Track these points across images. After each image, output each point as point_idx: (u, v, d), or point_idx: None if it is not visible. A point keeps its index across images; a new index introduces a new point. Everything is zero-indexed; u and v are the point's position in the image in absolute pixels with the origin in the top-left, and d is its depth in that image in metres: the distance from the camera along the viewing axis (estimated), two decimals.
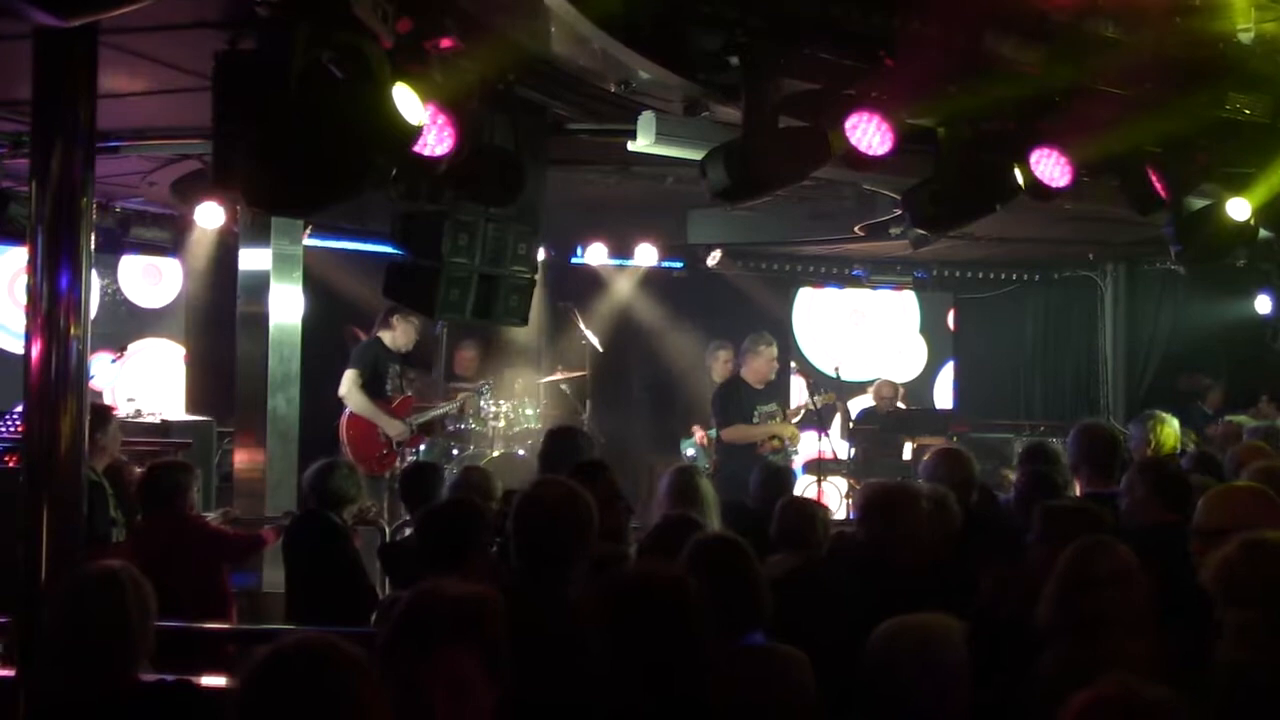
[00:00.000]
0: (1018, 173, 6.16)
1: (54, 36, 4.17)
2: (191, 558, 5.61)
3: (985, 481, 6.22)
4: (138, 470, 6.33)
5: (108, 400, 8.71)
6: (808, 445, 10.22)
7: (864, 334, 12.80)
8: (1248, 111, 6.50)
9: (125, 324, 10.10)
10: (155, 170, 8.11)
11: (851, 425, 11.33)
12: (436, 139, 5.03)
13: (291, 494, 7.82)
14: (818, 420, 9.80)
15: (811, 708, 3.33)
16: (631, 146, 5.99)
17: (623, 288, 11.58)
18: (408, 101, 4.57)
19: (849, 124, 5.61)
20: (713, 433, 9.36)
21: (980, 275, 12.93)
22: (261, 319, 8.22)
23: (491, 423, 9.45)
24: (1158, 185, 6.73)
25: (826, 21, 5.37)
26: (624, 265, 11.44)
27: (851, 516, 6.97)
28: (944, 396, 13.01)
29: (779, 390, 9.82)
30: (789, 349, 11.21)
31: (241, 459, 8.29)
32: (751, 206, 8.25)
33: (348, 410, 8.78)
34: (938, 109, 5.96)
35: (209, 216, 8.72)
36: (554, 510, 3.67)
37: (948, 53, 5.58)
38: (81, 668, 3.26)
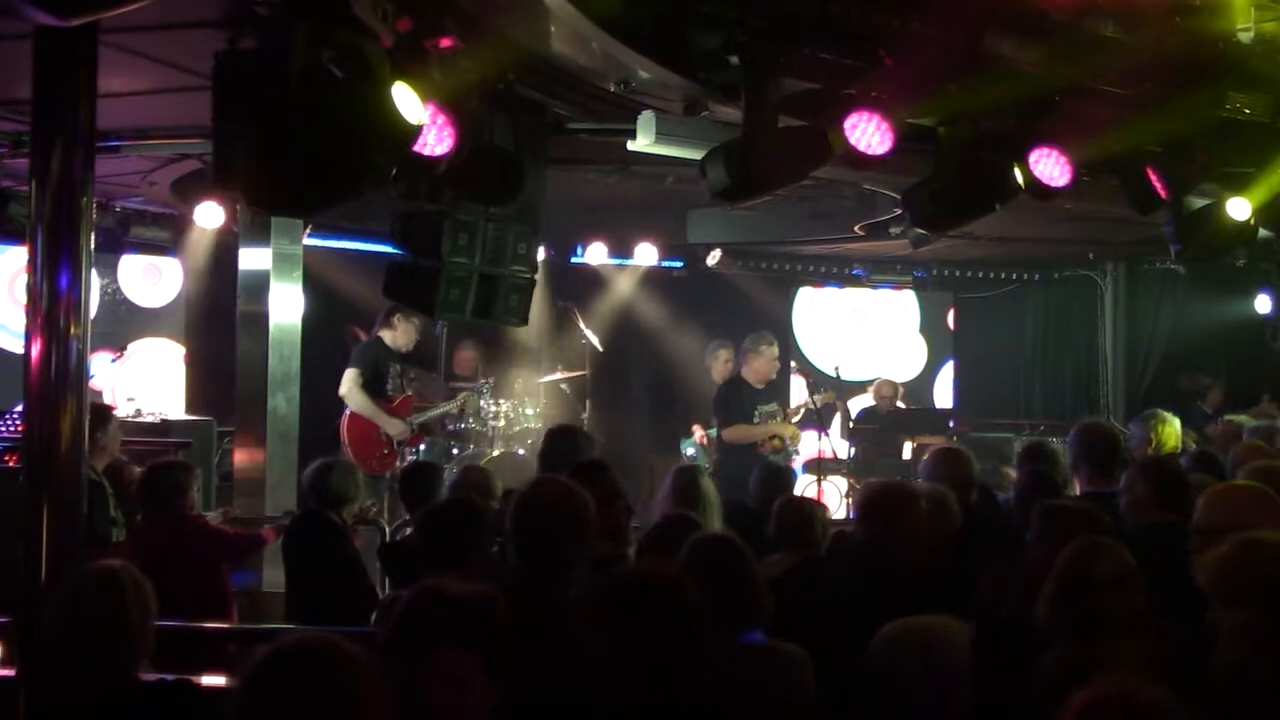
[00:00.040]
0: (1017, 172, 6.16)
1: (54, 36, 4.17)
2: (192, 557, 5.62)
3: (985, 481, 6.22)
4: (138, 470, 6.32)
5: (108, 400, 8.70)
6: (808, 445, 10.22)
7: (864, 333, 12.80)
8: (1248, 111, 6.50)
9: (125, 323, 10.10)
10: (155, 170, 8.10)
11: (851, 425, 11.33)
12: (436, 138, 5.03)
13: (291, 493, 7.82)
14: (817, 420, 9.81)
15: (812, 707, 3.33)
16: (631, 146, 5.99)
17: (623, 287, 11.58)
18: (407, 101, 4.57)
19: (849, 123, 5.61)
20: (713, 432, 9.36)
21: (980, 275, 12.93)
22: (261, 318, 8.22)
23: (491, 422, 9.45)
24: (1157, 185, 6.73)
25: (826, 21, 5.37)
26: (624, 265, 11.44)
27: (851, 516, 6.96)
28: (944, 396, 13.01)
29: (779, 390, 9.83)
30: (789, 348, 11.21)
31: (241, 458, 8.29)
32: (751, 206, 8.24)
33: (348, 410, 8.78)
34: (937, 108, 5.96)
35: (209, 216, 8.71)
36: (552, 510, 3.67)
37: (947, 52, 5.58)
38: (81, 667, 3.26)
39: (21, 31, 4.29)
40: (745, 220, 10.29)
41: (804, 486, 9.77)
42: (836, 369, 11.38)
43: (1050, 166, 6.17)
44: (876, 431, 11.10)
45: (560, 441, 5.60)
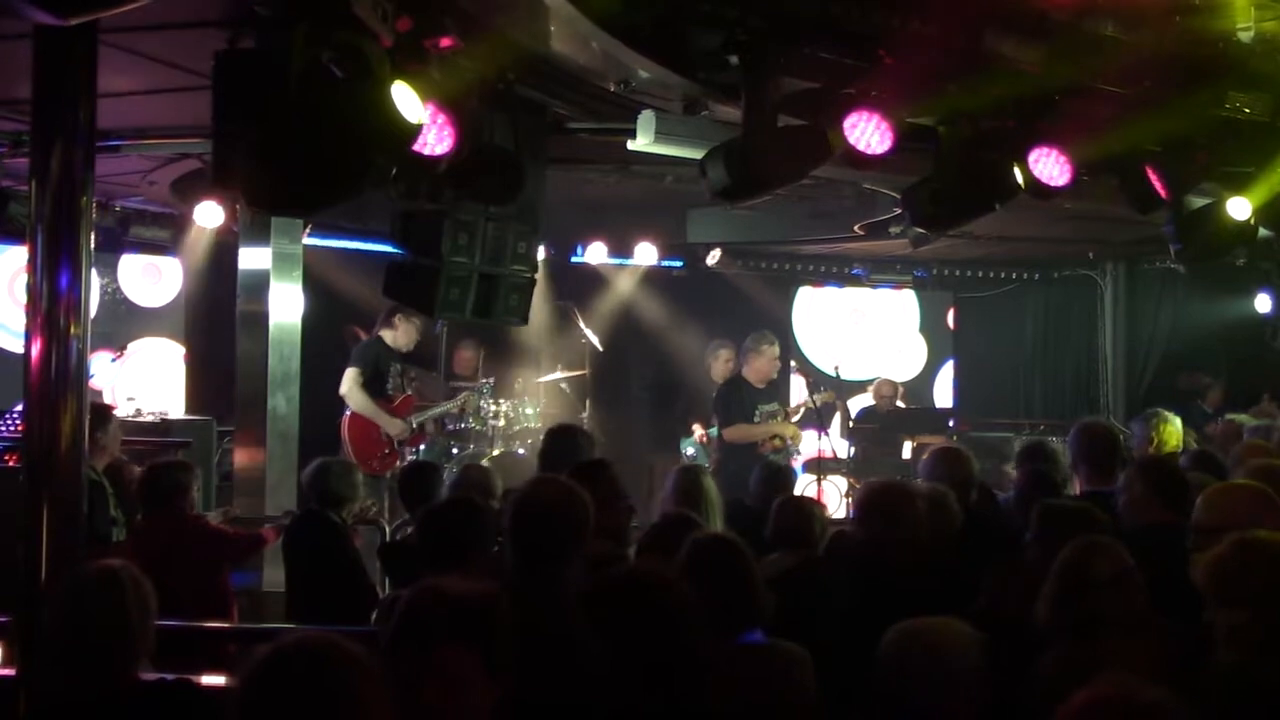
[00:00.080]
0: (1017, 172, 6.16)
1: (54, 35, 4.17)
2: (192, 557, 5.62)
3: (985, 480, 6.21)
4: (138, 469, 6.33)
5: (108, 399, 8.71)
6: (808, 444, 10.22)
7: (864, 333, 12.80)
8: (1248, 110, 6.50)
9: (125, 323, 10.10)
10: (155, 169, 8.11)
11: (851, 424, 11.33)
12: (436, 138, 5.03)
13: (291, 493, 7.82)
14: (817, 419, 9.81)
15: (812, 706, 3.33)
16: (631, 145, 5.99)
17: (622, 287, 11.59)
18: (407, 100, 4.57)
19: (848, 123, 5.61)
20: (713, 431, 9.37)
21: (980, 274, 12.93)
22: (261, 318, 8.23)
23: (491, 421, 9.45)
24: (1157, 184, 6.73)
25: (826, 20, 5.37)
26: (624, 264, 11.44)
27: (850, 516, 6.96)
28: (944, 395, 13.01)
29: (780, 389, 9.83)
30: (789, 348, 11.21)
31: (241, 458, 8.29)
32: (751, 205, 8.23)
33: (349, 410, 8.78)
34: (937, 107, 5.96)
35: (209, 215, 8.72)
36: (550, 509, 3.67)
37: (947, 51, 5.58)
38: (82, 667, 3.26)
39: (21, 31, 4.29)
40: (745, 220, 10.29)
41: (804, 486, 9.77)
42: (836, 368, 11.38)
43: (1050, 166, 6.17)
44: (876, 431, 11.10)
45: (560, 441, 5.60)
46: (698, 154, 5.68)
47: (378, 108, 4.31)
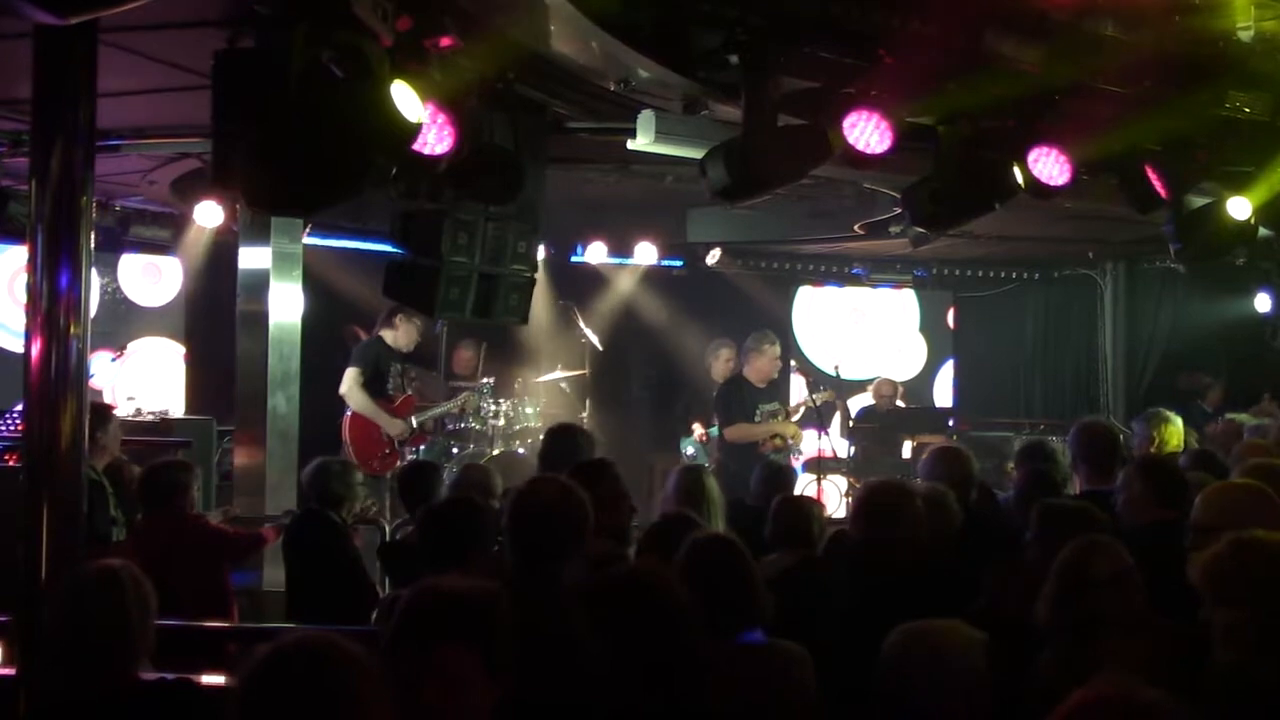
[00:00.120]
0: (1017, 171, 6.16)
1: (54, 35, 4.17)
2: (192, 556, 5.62)
3: (985, 480, 6.22)
4: (137, 469, 6.33)
5: (107, 399, 8.71)
6: (807, 444, 10.23)
7: (864, 332, 12.80)
8: (1248, 110, 6.50)
9: (125, 323, 10.11)
10: (155, 169, 8.11)
11: (851, 423, 11.33)
12: (436, 138, 5.03)
13: (291, 493, 7.82)
14: (817, 419, 9.81)
15: (812, 705, 3.33)
16: (631, 145, 5.99)
17: (622, 286, 11.59)
18: (407, 100, 4.57)
19: (848, 122, 5.61)
20: (713, 430, 9.37)
21: (980, 273, 12.94)
22: (261, 317, 8.22)
23: (491, 421, 9.45)
24: (1157, 184, 6.73)
25: (826, 20, 5.37)
26: (624, 264, 11.44)
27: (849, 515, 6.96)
28: (944, 395, 13.01)
29: (781, 389, 9.83)
30: (789, 347, 11.22)
31: (241, 458, 8.29)
32: (751, 205, 8.22)
33: (350, 411, 8.78)
34: (937, 107, 5.96)
35: (208, 215, 8.72)
36: (550, 508, 3.67)
37: (947, 51, 5.58)
38: (82, 667, 3.26)
39: (21, 30, 4.29)
40: (745, 219, 10.29)
41: (804, 485, 9.77)
42: (836, 368, 11.38)
43: (1049, 165, 6.17)
44: (876, 430, 11.10)
45: (560, 441, 5.60)
46: (698, 153, 5.68)
47: (378, 107, 4.31)
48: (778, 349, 9.15)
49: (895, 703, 2.83)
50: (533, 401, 9.84)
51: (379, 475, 8.63)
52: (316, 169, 4.24)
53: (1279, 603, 2.89)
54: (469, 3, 5.02)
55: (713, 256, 11.51)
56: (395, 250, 6.27)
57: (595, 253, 11.11)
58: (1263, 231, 7.49)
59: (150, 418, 8.86)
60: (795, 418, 9.71)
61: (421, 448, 9.12)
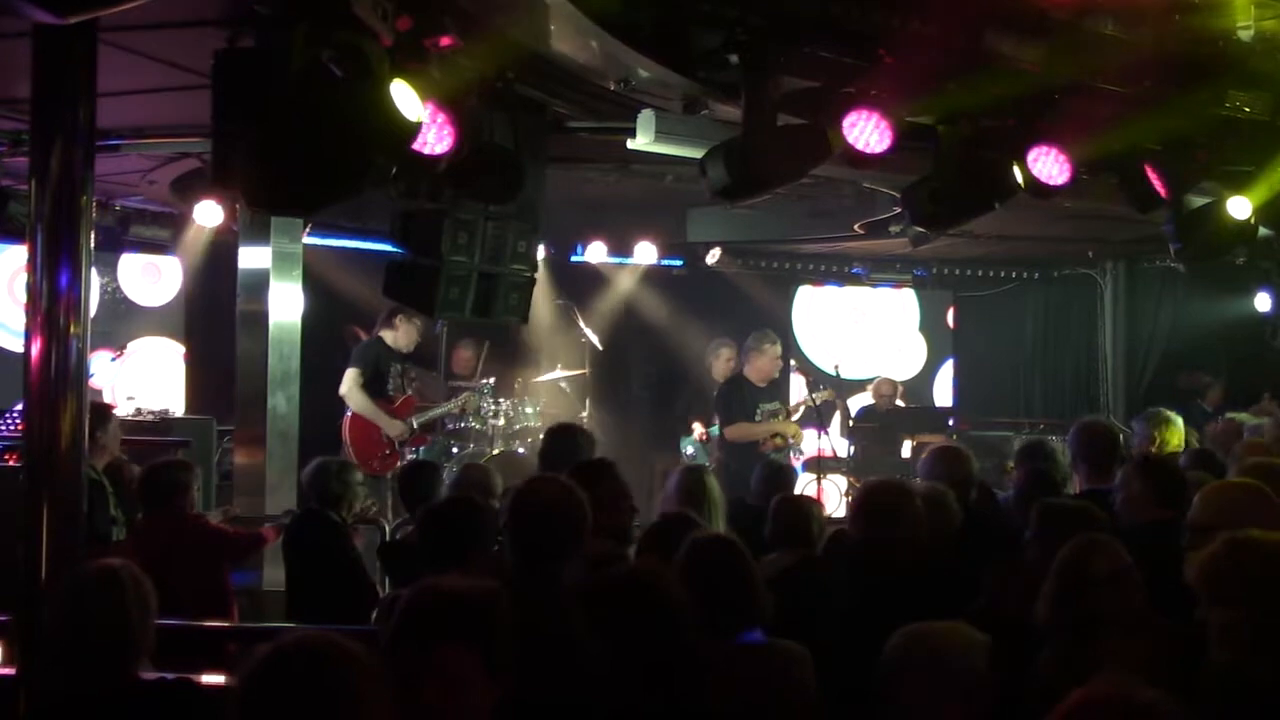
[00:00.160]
0: (1017, 171, 6.16)
1: (53, 34, 4.17)
2: (192, 556, 5.62)
3: (985, 479, 6.21)
4: (137, 469, 6.33)
5: (107, 399, 8.71)
6: (807, 443, 10.23)
7: (863, 332, 12.80)
8: (1248, 109, 6.50)
9: (125, 322, 10.11)
10: (155, 168, 8.11)
11: (851, 423, 11.33)
12: (436, 137, 5.03)
13: (291, 492, 7.82)
14: (817, 418, 9.81)
15: (812, 705, 3.33)
16: (631, 145, 5.99)
17: (622, 286, 11.59)
18: (407, 99, 4.57)
19: (848, 121, 5.61)
20: (713, 430, 9.37)
21: (980, 273, 12.93)
22: (261, 317, 8.22)
23: (491, 421, 9.45)
24: (1157, 183, 6.73)
25: (826, 19, 5.37)
26: (624, 263, 11.44)
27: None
28: (943, 394, 13.01)
29: (781, 389, 9.83)
30: (789, 347, 11.20)
31: (241, 457, 8.29)
32: (751, 204, 8.25)
33: (350, 411, 8.78)
34: (937, 106, 5.96)
35: (208, 215, 8.72)
36: (549, 508, 3.67)
37: (947, 50, 5.58)
38: (82, 666, 3.26)
39: (21, 30, 4.29)
40: (745, 219, 10.29)
41: (803, 485, 9.77)
42: (836, 367, 11.38)
43: (1049, 165, 6.17)
44: (876, 430, 11.10)
45: (560, 441, 5.60)
46: (697, 153, 5.68)
47: (377, 107, 4.31)
48: (779, 348, 9.15)
49: (897, 705, 2.82)
50: (533, 401, 9.84)
51: (379, 475, 8.63)
52: (316, 169, 4.24)
53: (1274, 602, 2.89)
54: (469, 2, 5.02)
55: (713, 256, 11.51)
56: (395, 250, 6.27)
57: (595, 252, 11.10)
58: (1263, 231, 7.49)
59: (150, 417, 8.86)
60: (795, 417, 9.71)
61: (421, 448, 9.12)
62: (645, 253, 11.21)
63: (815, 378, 11.13)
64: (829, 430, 10.09)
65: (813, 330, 12.64)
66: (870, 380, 11.76)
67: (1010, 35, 5.64)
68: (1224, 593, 2.96)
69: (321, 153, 4.19)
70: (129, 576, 3.35)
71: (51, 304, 4.20)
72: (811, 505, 5.20)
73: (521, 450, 9.30)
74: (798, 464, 9.54)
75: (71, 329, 4.21)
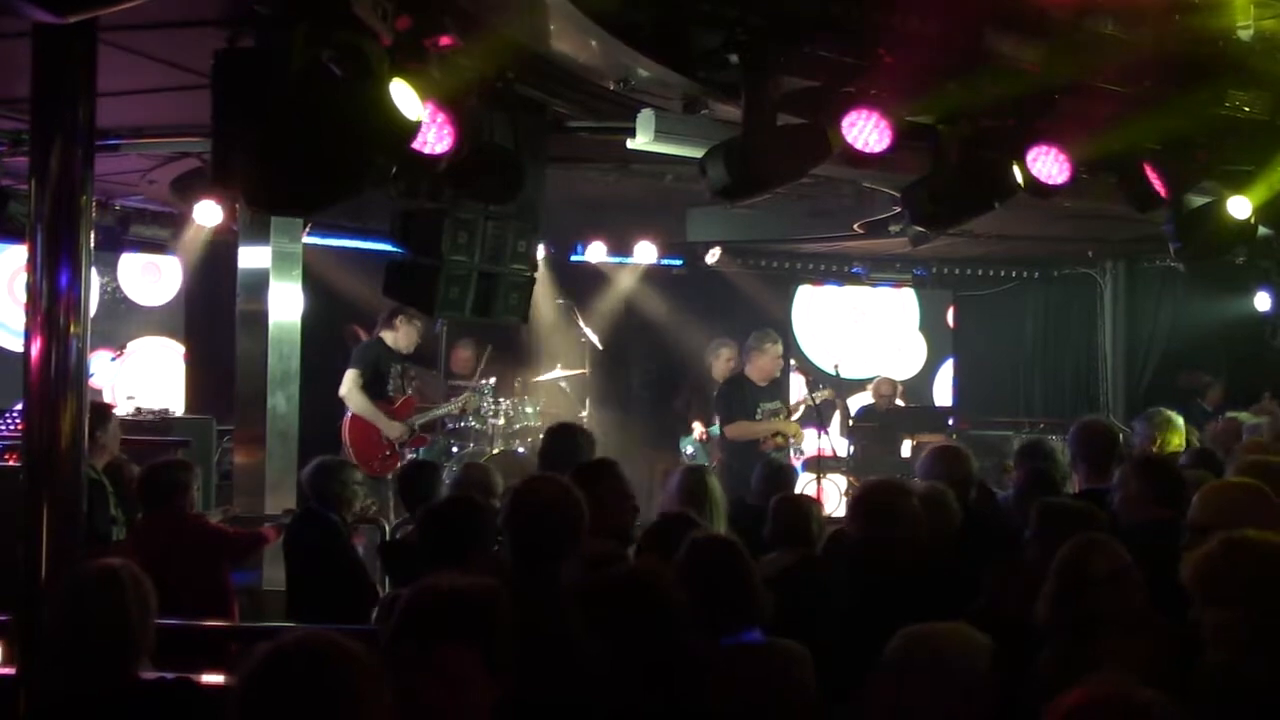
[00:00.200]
0: (1016, 170, 6.16)
1: (53, 34, 4.17)
2: (192, 556, 5.62)
3: (985, 479, 6.21)
4: (137, 468, 6.33)
5: (107, 398, 8.71)
6: (807, 443, 10.23)
7: (863, 331, 12.81)
8: (1247, 109, 6.49)
9: (125, 322, 10.12)
10: (155, 168, 8.11)
11: (851, 423, 11.34)
12: (436, 137, 5.03)
13: (291, 492, 7.82)
14: (817, 417, 9.82)
15: (812, 704, 3.33)
16: (631, 144, 5.99)
17: (622, 285, 11.59)
18: (407, 99, 4.57)
19: (848, 121, 5.61)
20: (713, 429, 9.37)
21: (980, 272, 12.94)
22: (261, 317, 8.22)
23: (491, 420, 9.45)
24: (1157, 183, 6.73)
25: (826, 19, 5.37)
26: (623, 263, 11.44)
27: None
28: (943, 394, 13.02)
29: (782, 388, 9.84)
30: (789, 346, 11.20)
31: (241, 457, 8.29)
32: (751, 204, 8.24)
33: (350, 412, 8.78)
34: (937, 106, 5.96)
35: (208, 214, 8.72)
36: (548, 508, 3.68)
37: (947, 50, 5.57)
38: (82, 666, 3.26)
39: (20, 30, 4.29)
40: (745, 218, 10.29)
41: (803, 484, 9.77)
42: (836, 367, 11.38)
43: (1049, 164, 6.17)
44: (876, 429, 11.11)
45: (560, 440, 5.60)
46: (697, 153, 5.68)
47: (377, 107, 4.31)
48: (780, 348, 9.16)
49: (898, 706, 2.82)
50: (533, 401, 9.84)
51: (379, 476, 8.63)
52: (316, 168, 4.24)
53: (1271, 602, 2.89)
54: (469, 2, 5.02)
55: (712, 255, 11.51)
56: (395, 250, 6.27)
57: (595, 252, 11.11)
58: (1262, 230, 7.49)
59: (150, 417, 8.86)
60: (795, 416, 9.71)
61: (421, 448, 9.11)
62: (645, 252, 11.21)
63: (815, 377, 11.14)
64: (829, 430, 10.09)
65: (812, 330, 12.64)
66: (870, 380, 11.76)
67: (1010, 35, 5.63)
68: (1220, 593, 2.96)
69: (321, 153, 4.19)
70: (129, 576, 3.35)
71: (51, 304, 4.20)
72: (811, 505, 5.20)
73: (521, 450, 9.30)
74: (798, 463, 9.55)
75: (71, 329, 4.21)
